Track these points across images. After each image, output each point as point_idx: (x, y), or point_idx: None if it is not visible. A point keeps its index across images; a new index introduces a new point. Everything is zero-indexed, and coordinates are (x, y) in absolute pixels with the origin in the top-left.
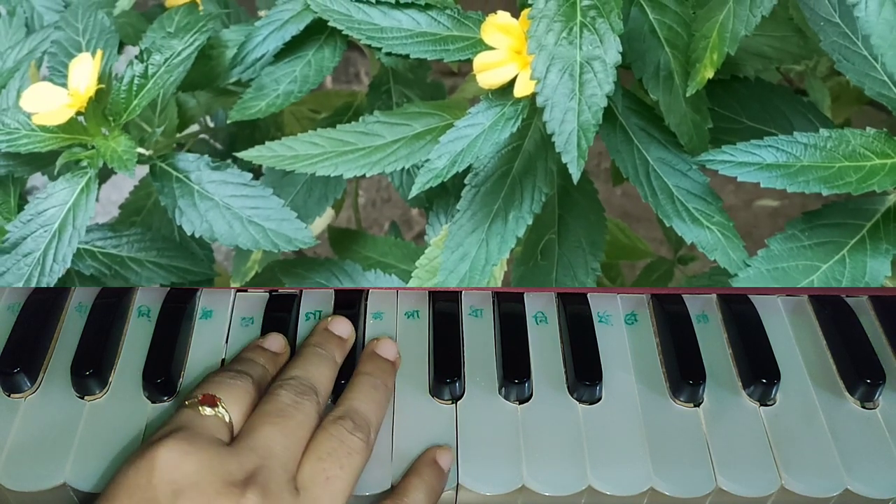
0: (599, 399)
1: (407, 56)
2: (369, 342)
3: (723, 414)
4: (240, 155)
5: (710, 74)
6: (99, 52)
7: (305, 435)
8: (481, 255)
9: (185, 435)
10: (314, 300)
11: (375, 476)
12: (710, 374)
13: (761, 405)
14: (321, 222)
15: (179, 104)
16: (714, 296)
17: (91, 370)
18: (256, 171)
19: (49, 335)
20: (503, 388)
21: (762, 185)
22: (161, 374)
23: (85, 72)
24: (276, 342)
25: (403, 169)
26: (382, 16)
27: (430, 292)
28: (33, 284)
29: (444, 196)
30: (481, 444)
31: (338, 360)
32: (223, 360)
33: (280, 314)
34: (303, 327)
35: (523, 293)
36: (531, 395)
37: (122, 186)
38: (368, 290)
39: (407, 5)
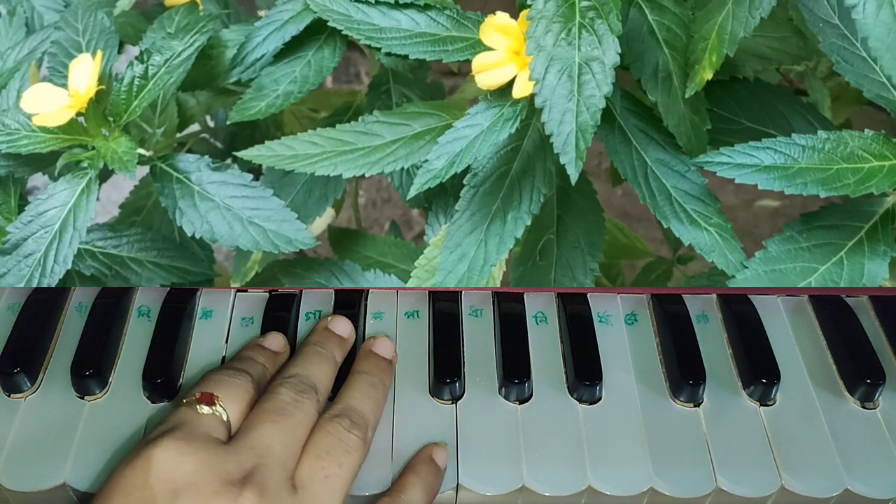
0: (599, 399)
1: (406, 56)
2: (366, 340)
3: (723, 414)
4: (239, 154)
5: (708, 76)
6: (99, 53)
7: (304, 433)
8: (480, 256)
9: (182, 434)
10: (314, 300)
11: (376, 476)
12: (710, 374)
13: (761, 405)
14: (321, 222)
15: (179, 104)
16: (714, 296)
17: (91, 370)
18: (256, 171)
19: (49, 335)
20: (503, 388)
21: (760, 187)
22: (161, 375)
23: (85, 72)
24: (276, 341)
25: (403, 169)
26: (382, 16)
27: (430, 292)
28: (34, 285)
29: (443, 196)
30: (481, 444)
31: (338, 359)
32: (223, 361)
33: (280, 313)
34: (303, 327)
35: (523, 293)
36: (531, 395)
37: (122, 186)
38: (368, 290)
39: (406, 6)
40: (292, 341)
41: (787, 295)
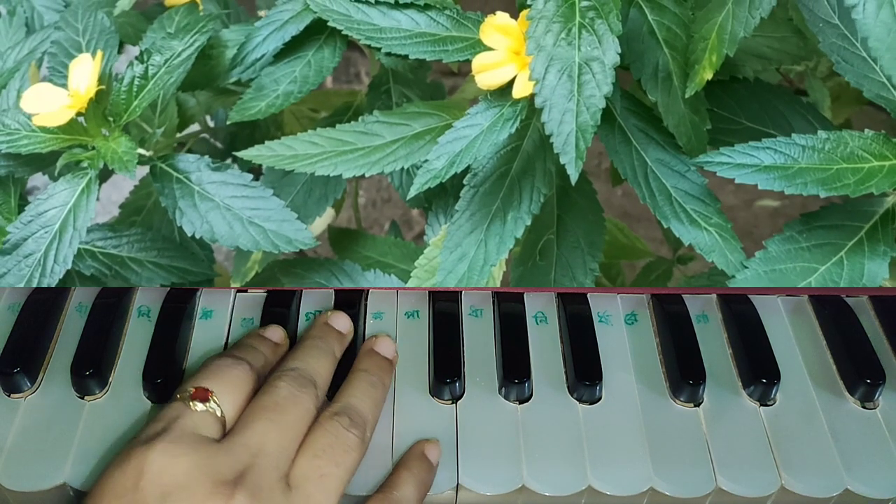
0: (599, 399)
1: (406, 56)
2: (368, 339)
3: (723, 414)
4: (239, 154)
5: (708, 76)
6: (99, 53)
7: (301, 430)
8: (480, 256)
9: (174, 436)
10: (314, 300)
11: (376, 476)
12: (710, 374)
13: (761, 405)
14: (322, 222)
15: (179, 104)
16: (714, 296)
17: (91, 370)
18: (257, 171)
19: (49, 335)
20: (503, 388)
21: (760, 187)
22: (161, 375)
23: (85, 72)
24: (276, 333)
25: (403, 169)
26: (381, 16)
27: (430, 292)
28: (34, 285)
29: (443, 196)
30: (481, 444)
31: (337, 354)
32: None
33: (279, 310)
34: (303, 327)
35: (523, 293)
36: (531, 395)
37: (122, 186)
38: (368, 290)
39: (406, 6)
40: (292, 340)
41: (787, 295)
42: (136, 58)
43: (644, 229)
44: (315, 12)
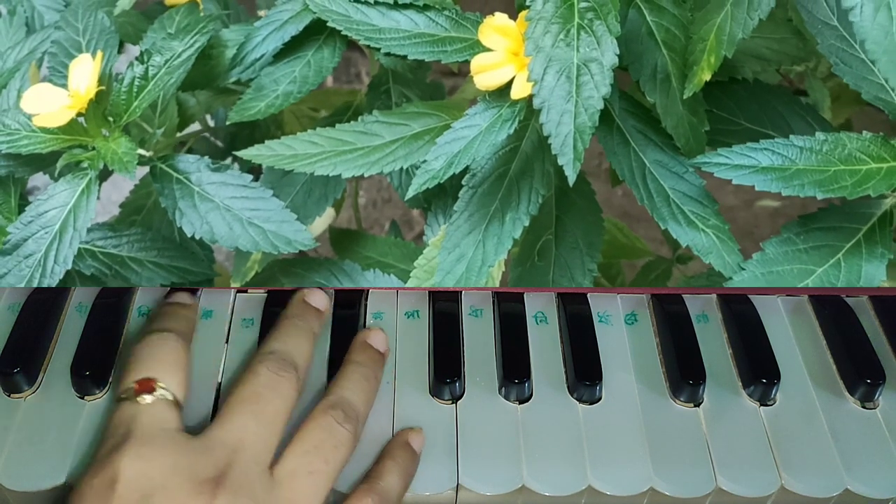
0: (599, 399)
1: (405, 57)
2: (360, 332)
3: (723, 414)
4: (239, 154)
5: (707, 77)
6: (99, 53)
7: (282, 421)
8: (478, 257)
9: (142, 438)
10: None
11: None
12: (710, 374)
13: (761, 405)
14: (322, 223)
15: (180, 103)
16: (714, 296)
17: (91, 370)
18: (257, 170)
19: (49, 335)
20: (503, 388)
21: (757, 189)
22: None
23: (85, 73)
24: (183, 295)
25: (402, 169)
26: (381, 16)
27: (430, 292)
28: (34, 285)
29: (442, 197)
30: (481, 444)
31: (316, 331)
32: (223, 361)
33: (280, 310)
34: None
35: (523, 293)
36: (531, 395)
37: (122, 186)
38: (368, 290)
39: (405, 6)
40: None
41: (787, 295)
42: (137, 58)
43: (644, 229)
44: (314, 12)
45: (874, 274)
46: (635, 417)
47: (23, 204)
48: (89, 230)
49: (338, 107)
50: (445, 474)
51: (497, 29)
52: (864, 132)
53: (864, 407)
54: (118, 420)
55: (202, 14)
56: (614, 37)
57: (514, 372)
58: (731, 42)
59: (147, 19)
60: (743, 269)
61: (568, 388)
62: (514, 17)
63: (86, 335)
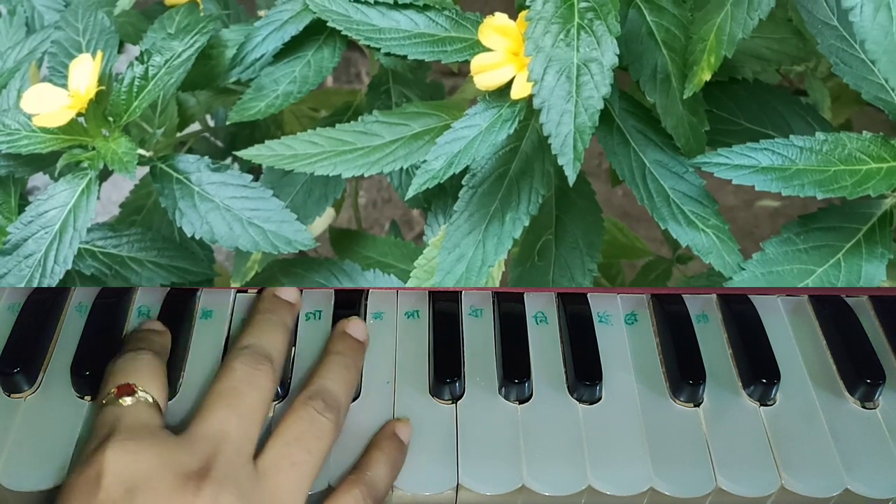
0: (599, 399)
1: (405, 57)
2: (339, 322)
3: (723, 414)
4: (239, 154)
5: (706, 77)
6: (99, 54)
7: (261, 411)
8: (478, 257)
9: (125, 433)
10: (314, 300)
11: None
12: (710, 374)
13: (761, 405)
14: (322, 223)
15: (180, 103)
16: (714, 296)
17: (91, 370)
18: (257, 170)
19: (49, 335)
20: (503, 388)
21: (757, 189)
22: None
23: (85, 73)
24: (155, 324)
25: (402, 169)
26: (380, 16)
27: (430, 292)
28: (34, 286)
29: (442, 197)
30: (481, 444)
31: (289, 325)
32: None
33: None
34: (303, 327)
35: (523, 293)
36: (531, 395)
37: (122, 185)
38: (368, 290)
39: (405, 6)
40: (293, 340)
41: (788, 295)
42: (137, 58)
43: (644, 229)
44: (314, 12)
45: (874, 274)
46: (635, 417)
47: (23, 204)
48: (89, 230)
49: (338, 107)
50: (445, 474)
51: (497, 29)
52: (864, 132)
53: (864, 407)
54: (101, 421)
55: (202, 14)
56: (614, 37)
57: (514, 372)
58: (731, 42)
59: (147, 19)
60: (743, 269)
61: (568, 388)
62: (514, 17)
63: (86, 335)
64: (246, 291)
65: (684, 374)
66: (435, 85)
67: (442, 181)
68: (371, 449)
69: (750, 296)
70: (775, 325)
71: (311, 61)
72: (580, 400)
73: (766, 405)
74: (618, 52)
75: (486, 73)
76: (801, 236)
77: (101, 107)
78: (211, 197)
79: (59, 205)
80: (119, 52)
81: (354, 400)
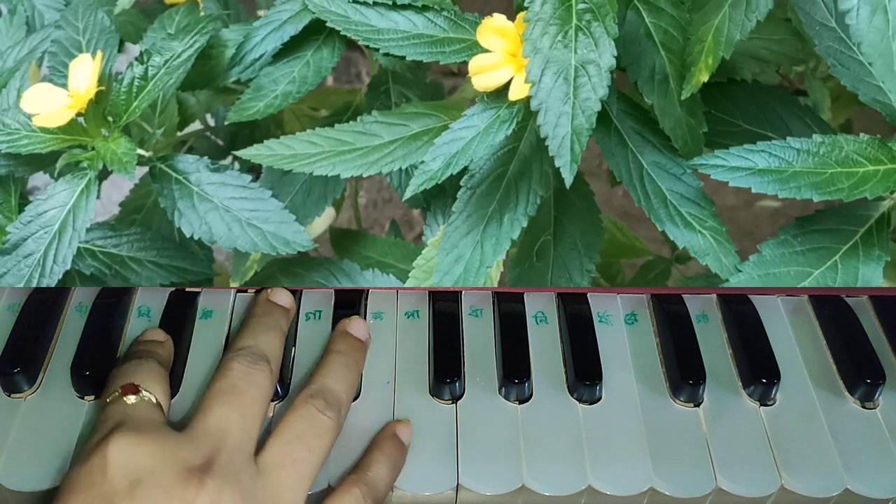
0: (599, 399)
1: (403, 57)
2: (340, 321)
3: (723, 414)
4: (239, 154)
5: (704, 78)
6: (99, 53)
7: (261, 409)
8: (476, 257)
9: (129, 427)
10: (314, 300)
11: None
12: (710, 374)
13: (761, 405)
14: (322, 223)
15: (180, 102)
16: (714, 296)
17: (91, 370)
18: (257, 170)
19: (49, 335)
20: (503, 388)
21: (754, 191)
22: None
23: (85, 73)
24: (157, 333)
25: (401, 169)
26: (379, 17)
27: (430, 292)
28: (34, 285)
29: (441, 197)
30: (481, 444)
31: (284, 328)
32: None
33: None
34: (303, 327)
35: (523, 293)
36: (531, 395)
37: (122, 185)
38: (368, 290)
39: (404, 7)
40: (293, 340)
41: (787, 295)
42: (136, 58)
43: (644, 229)
44: (313, 13)
45: (871, 276)
46: (635, 417)
47: (23, 203)
48: (89, 230)
49: (337, 107)
50: (445, 474)
51: (495, 30)
52: (862, 134)
53: (864, 407)
54: (106, 416)
55: (202, 14)
56: (612, 38)
57: (514, 372)
58: (729, 43)
59: (147, 18)
60: (740, 270)
61: (568, 388)
62: (512, 18)
63: (86, 335)
64: (245, 291)
65: (684, 374)
66: (435, 85)
67: (440, 182)
68: (371, 449)
69: (750, 296)
70: (775, 325)
71: (310, 61)
72: (580, 400)
73: (766, 405)
74: (615, 54)
75: (485, 74)
76: (799, 238)
77: (101, 107)
78: (210, 197)
79: (58, 204)
80: (119, 51)
81: (354, 400)
